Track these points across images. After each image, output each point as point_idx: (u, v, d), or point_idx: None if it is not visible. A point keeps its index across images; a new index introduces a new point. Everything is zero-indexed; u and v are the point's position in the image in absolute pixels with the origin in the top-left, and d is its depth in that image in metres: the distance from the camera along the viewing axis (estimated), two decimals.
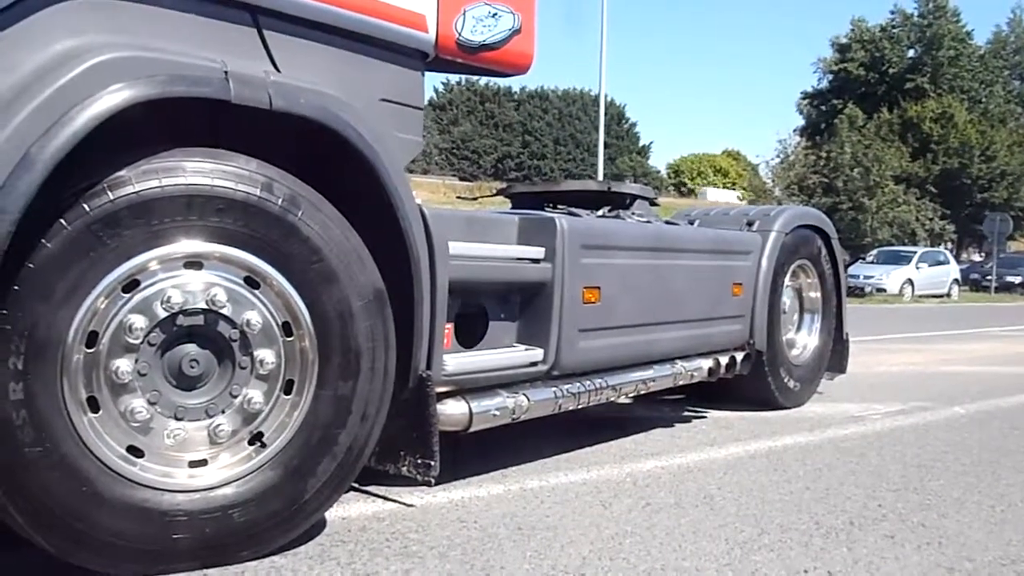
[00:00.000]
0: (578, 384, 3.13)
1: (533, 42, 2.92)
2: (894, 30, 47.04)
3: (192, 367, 2.06)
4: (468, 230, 2.87)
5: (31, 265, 1.81)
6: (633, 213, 3.99)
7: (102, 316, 1.93)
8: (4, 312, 1.79)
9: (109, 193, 1.88)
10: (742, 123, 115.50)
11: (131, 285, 1.95)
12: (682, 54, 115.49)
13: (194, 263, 2.02)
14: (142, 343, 1.98)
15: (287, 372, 2.17)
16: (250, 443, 2.15)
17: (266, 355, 2.13)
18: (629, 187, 4.28)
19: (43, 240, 1.82)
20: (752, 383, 4.43)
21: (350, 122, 2.22)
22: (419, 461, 2.47)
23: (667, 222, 4.34)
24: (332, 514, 2.52)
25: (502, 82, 48.25)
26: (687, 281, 3.79)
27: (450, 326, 2.74)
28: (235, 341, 2.10)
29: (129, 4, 2.03)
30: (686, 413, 4.51)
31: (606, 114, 28.72)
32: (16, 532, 1.91)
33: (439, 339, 2.51)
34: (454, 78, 47.64)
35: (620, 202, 4.09)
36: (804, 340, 4.95)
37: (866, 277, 24.44)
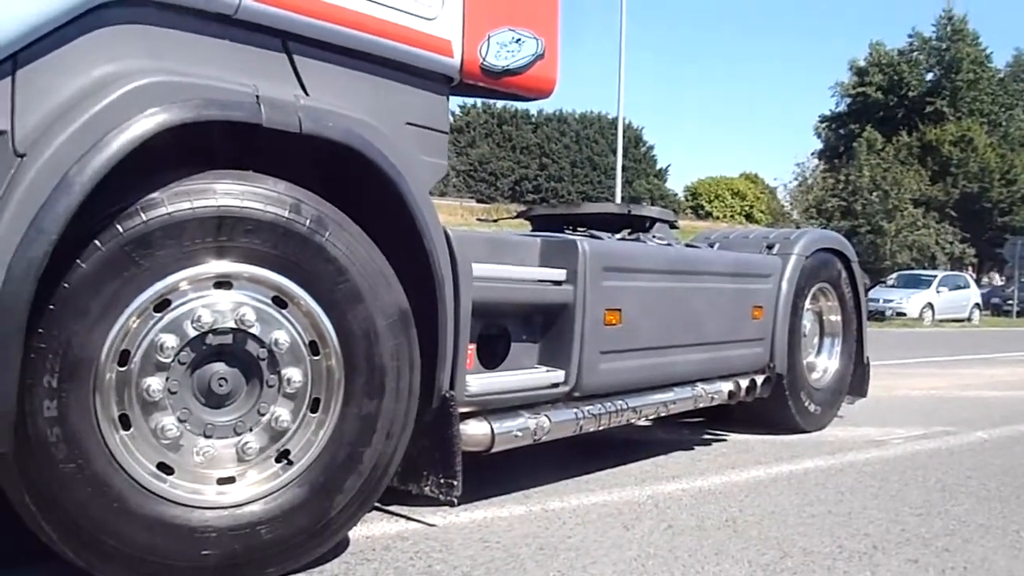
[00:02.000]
0: (599, 406, 3.14)
1: (556, 67, 2.96)
2: (913, 53, 46.93)
3: (221, 385, 2.10)
4: (491, 252, 2.90)
5: (67, 285, 1.85)
6: (654, 236, 4.01)
7: (134, 335, 1.97)
8: (40, 331, 1.83)
9: (142, 215, 1.92)
10: (760, 146, 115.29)
11: (162, 304, 1.99)
12: (700, 77, 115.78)
13: (224, 283, 2.06)
14: (173, 361, 2.02)
15: (314, 391, 2.20)
16: (277, 460, 2.18)
17: (293, 374, 2.16)
18: (649, 210, 4.30)
19: (78, 260, 1.86)
20: (772, 407, 4.42)
21: (377, 145, 2.26)
22: (442, 481, 2.49)
23: (688, 245, 4.36)
24: (356, 533, 2.54)
25: (520, 104, 48.45)
26: (707, 304, 3.80)
27: (473, 347, 2.76)
28: (263, 360, 2.13)
29: (164, 31, 2.08)
30: (706, 436, 4.49)
31: (623, 137, 28.80)
32: (48, 546, 1.94)
33: (462, 360, 2.54)
34: (471, 100, 47.93)
35: (640, 225, 4.11)
36: (824, 364, 4.94)
37: (886, 301, 24.25)
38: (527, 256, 3.08)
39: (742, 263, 4.24)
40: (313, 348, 2.18)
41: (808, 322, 4.76)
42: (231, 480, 2.13)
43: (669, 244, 3.92)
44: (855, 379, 5.05)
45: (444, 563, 2.37)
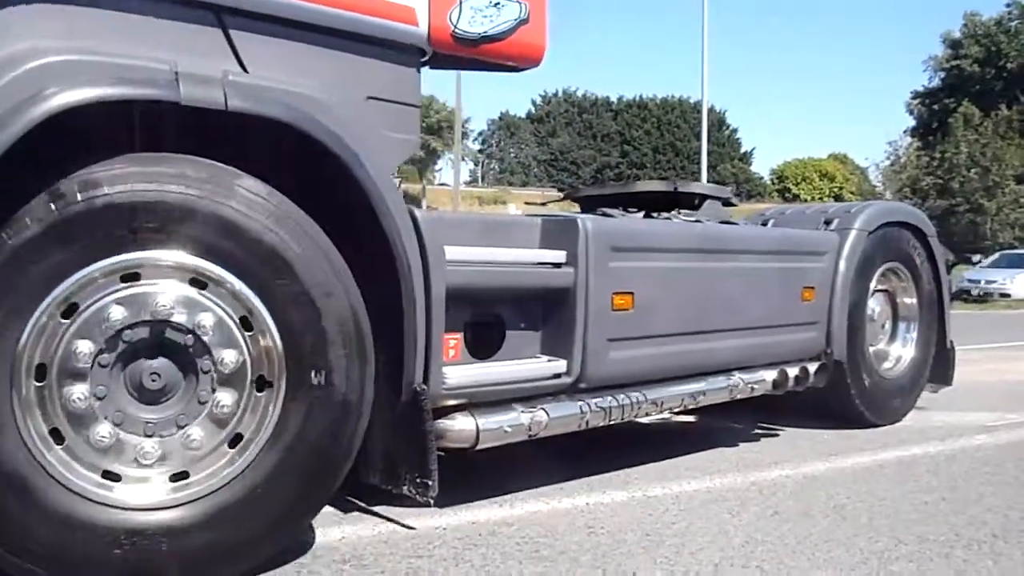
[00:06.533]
0: (609, 398, 2.88)
1: (544, 32, 2.73)
2: (1011, 23, 44.52)
3: (154, 380, 1.95)
4: (480, 234, 2.68)
5: None
6: (687, 215, 3.72)
7: (45, 347, 1.82)
8: None
9: (26, 218, 1.76)
10: (849, 126, 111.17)
11: (69, 310, 1.84)
12: (784, 56, 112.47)
13: (130, 275, 1.89)
14: (92, 367, 1.87)
15: (255, 368, 2.02)
16: (231, 446, 2.01)
17: (227, 355, 1.98)
18: (698, 186, 4.05)
19: None
20: (835, 397, 4.02)
21: (323, 122, 2.07)
22: (418, 480, 2.30)
23: (725, 222, 4.03)
24: (462, 518, 2.58)
25: (600, 92, 47.98)
26: (743, 285, 3.48)
27: (459, 336, 2.56)
28: (190, 347, 1.96)
29: (85, 9, 1.95)
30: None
31: (707, 120, 28.11)
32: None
33: (437, 350, 2.34)
34: (551, 89, 47.66)
35: (688, 202, 3.83)
36: (898, 351, 4.46)
37: (988, 282, 22.96)
38: (526, 237, 2.85)
39: (789, 240, 3.90)
40: (245, 324, 1.99)
41: (877, 305, 4.33)
42: (184, 475, 1.97)
43: (698, 221, 3.62)
44: (937, 366, 4.56)
45: (551, 548, 2.31)
